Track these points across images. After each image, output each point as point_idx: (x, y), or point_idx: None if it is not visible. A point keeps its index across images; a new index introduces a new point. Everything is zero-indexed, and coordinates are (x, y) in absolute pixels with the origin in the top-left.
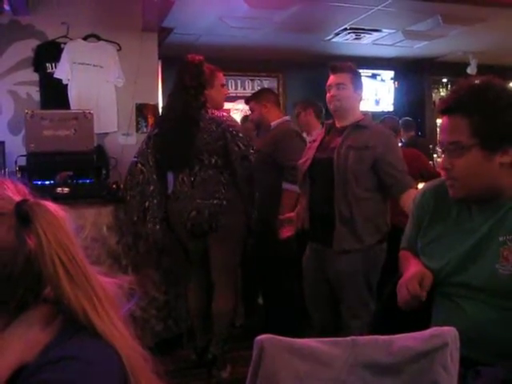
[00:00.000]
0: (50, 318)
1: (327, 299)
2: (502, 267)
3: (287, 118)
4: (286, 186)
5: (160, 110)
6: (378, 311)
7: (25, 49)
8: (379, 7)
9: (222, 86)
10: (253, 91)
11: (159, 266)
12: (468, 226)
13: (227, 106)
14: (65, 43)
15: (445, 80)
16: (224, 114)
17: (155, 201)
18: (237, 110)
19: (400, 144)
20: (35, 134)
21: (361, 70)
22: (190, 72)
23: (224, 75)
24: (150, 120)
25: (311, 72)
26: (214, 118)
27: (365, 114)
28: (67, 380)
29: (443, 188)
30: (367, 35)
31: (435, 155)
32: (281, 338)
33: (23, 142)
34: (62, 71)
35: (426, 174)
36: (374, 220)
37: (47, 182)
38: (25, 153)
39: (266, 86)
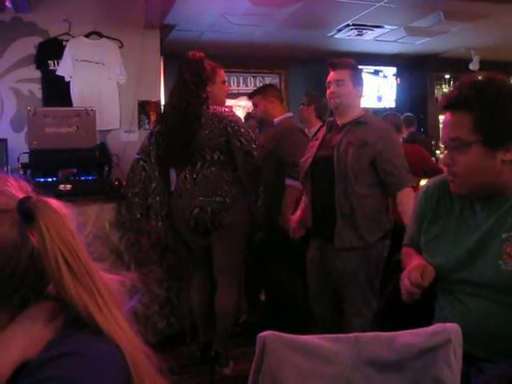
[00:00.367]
0: (53, 315)
1: (330, 295)
2: (505, 263)
3: (290, 114)
4: (289, 182)
5: (162, 107)
6: (380, 308)
7: (27, 46)
8: (381, 3)
9: (223, 82)
10: (255, 88)
11: (162, 263)
12: (471, 223)
13: (230, 102)
14: (67, 40)
15: (447, 76)
16: (226, 109)
17: (158, 198)
18: (239, 107)
19: (401, 140)
20: (38, 132)
21: (363, 67)
22: (191, 69)
23: (226, 72)
24: (153, 117)
25: (313, 68)
26: (215, 114)
27: (366, 110)
28: (69, 377)
29: (446, 184)
30: (369, 31)
31: (438, 151)
32: (283, 334)
33: (26, 139)
34: (64, 68)
35: (429, 171)
36: (375, 217)
37: (50, 179)
38: (27, 150)
39: (268, 83)
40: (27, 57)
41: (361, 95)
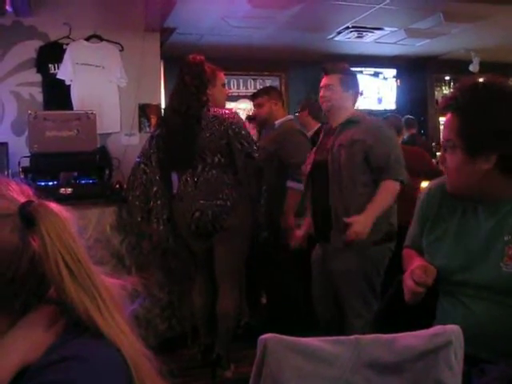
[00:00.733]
0: (54, 319)
1: (332, 296)
2: (506, 265)
3: (291, 116)
4: (290, 184)
5: (162, 110)
6: (381, 310)
7: (27, 50)
8: (381, 5)
9: (224, 85)
10: (255, 90)
11: (163, 266)
12: (473, 224)
13: (230, 105)
14: (67, 44)
15: (447, 78)
16: (226, 111)
17: (159, 201)
18: (240, 110)
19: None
20: (38, 135)
21: (363, 69)
22: (192, 72)
23: (226, 75)
24: (153, 120)
25: (314, 71)
26: (216, 116)
27: (359, 111)
28: (70, 380)
29: None
30: (369, 34)
31: (438, 153)
32: (284, 337)
33: (26, 142)
34: (64, 72)
35: (429, 173)
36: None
37: (50, 183)
38: (28, 154)
39: (268, 85)
40: (28, 60)
41: (353, 98)
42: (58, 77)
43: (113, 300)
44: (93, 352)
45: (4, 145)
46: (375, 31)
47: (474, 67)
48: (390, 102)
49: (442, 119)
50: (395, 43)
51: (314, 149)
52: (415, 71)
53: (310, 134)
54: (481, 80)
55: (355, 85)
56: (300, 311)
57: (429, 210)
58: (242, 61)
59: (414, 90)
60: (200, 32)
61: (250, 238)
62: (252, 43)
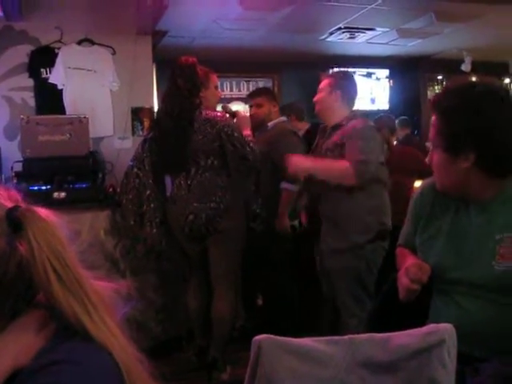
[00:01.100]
0: (44, 323)
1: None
2: (498, 264)
3: (284, 118)
4: (284, 185)
5: (155, 113)
6: (375, 308)
7: (19, 54)
8: (372, 6)
9: (216, 87)
10: (248, 92)
11: (157, 269)
12: (466, 223)
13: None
14: (59, 48)
15: (440, 77)
16: (218, 114)
17: (152, 205)
18: None
19: (395, 142)
20: (31, 140)
21: (356, 69)
22: (184, 74)
23: (219, 77)
24: (146, 123)
25: (306, 72)
26: (208, 119)
27: (352, 112)
28: None
29: None
30: (361, 34)
31: None
32: (278, 337)
33: (19, 147)
34: (56, 76)
35: (423, 172)
36: (361, 218)
37: (44, 187)
38: (21, 158)
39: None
40: (19, 65)
41: (343, 98)
42: (50, 81)
43: (103, 303)
44: (84, 355)
45: None
46: (367, 32)
47: (466, 67)
48: (383, 103)
49: None
50: (387, 43)
51: (312, 150)
52: (408, 71)
53: (300, 133)
54: (466, 81)
55: (345, 86)
56: (296, 312)
57: (422, 209)
58: (235, 63)
59: (407, 89)
60: (192, 35)
61: (244, 240)
62: (244, 45)
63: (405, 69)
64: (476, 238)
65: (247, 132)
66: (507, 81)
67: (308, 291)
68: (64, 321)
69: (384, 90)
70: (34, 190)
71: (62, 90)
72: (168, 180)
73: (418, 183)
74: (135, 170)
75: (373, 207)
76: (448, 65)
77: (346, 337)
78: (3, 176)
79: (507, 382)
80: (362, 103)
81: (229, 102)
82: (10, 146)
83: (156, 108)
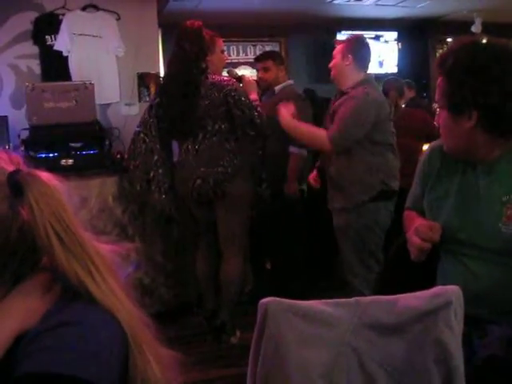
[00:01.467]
0: (49, 286)
1: None
2: (505, 226)
3: (291, 81)
4: (292, 149)
5: (161, 79)
6: (382, 271)
7: (23, 21)
8: None
9: (222, 51)
10: (254, 56)
11: (167, 235)
12: (473, 184)
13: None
14: (63, 15)
15: (449, 40)
16: (225, 78)
17: (160, 170)
18: None
19: (403, 105)
20: (37, 107)
21: (364, 32)
22: (190, 38)
23: (225, 41)
24: (152, 89)
25: (314, 35)
26: (215, 84)
27: (363, 79)
28: (66, 345)
29: None
30: None
31: None
32: (284, 300)
33: (26, 115)
34: (61, 43)
35: (432, 135)
36: (363, 177)
37: (51, 155)
38: (27, 126)
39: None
40: (24, 32)
41: (353, 62)
42: (55, 48)
43: (106, 266)
44: (88, 317)
45: (3, 118)
46: None
47: (476, 28)
48: (391, 66)
49: None
50: (396, 5)
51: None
52: (416, 34)
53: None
54: (470, 40)
55: (356, 50)
56: (305, 275)
57: (430, 171)
58: (241, 27)
59: (416, 52)
60: None
61: (252, 204)
62: (250, 8)
63: (413, 31)
64: (483, 199)
65: (253, 96)
66: None
67: (316, 254)
68: (68, 283)
69: (392, 53)
70: (41, 157)
71: (67, 56)
72: (175, 145)
73: (426, 146)
74: (142, 135)
75: (374, 167)
76: (458, 27)
77: (352, 299)
78: (11, 144)
79: None
80: (370, 66)
81: (235, 67)
82: (16, 115)
83: (162, 73)
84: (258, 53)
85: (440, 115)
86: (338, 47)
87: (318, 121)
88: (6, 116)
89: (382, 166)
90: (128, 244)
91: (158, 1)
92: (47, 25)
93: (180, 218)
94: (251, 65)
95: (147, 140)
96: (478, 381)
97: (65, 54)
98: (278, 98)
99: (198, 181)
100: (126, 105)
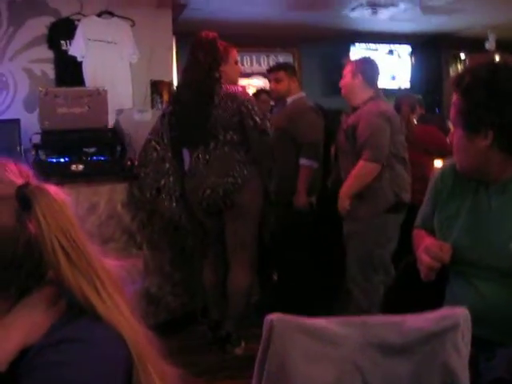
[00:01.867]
0: (54, 300)
1: None
2: None
3: (303, 93)
4: (302, 161)
5: (175, 87)
6: (390, 288)
7: (39, 26)
8: None
9: (236, 62)
10: (268, 67)
11: (175, 243)
12: (484, 204)
13: (243, 82)
14: (79, 20)
15: (463, 55)
16: (239, 88)
17: (171, 178)
18: (253, 86)
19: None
20: (49, 112)
21: (377, 46)
22: (204, 48)
23: (239, 51)
24: (165, 97)
25: (327, 47)
26: (228, 94)
27: (372, 97)
28: (68, 362)
29: None
30: (384, 10)
31: None
32: (291, 317)
33: (38, 119)
34: (76, 48)
35: (443, 151)
36: (378, 189)
37: (62, 160)
38: (40, 130)
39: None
40: (39, 37)
41: (365, 83)
42: (70, 53)
43: (112, 281)
44: (93, 334)
45: (16, 121)
46: (390, 8)
47: (490, 44)
48: (404, 80)
49: None
50: (410, 20)
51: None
52: (430, 48)
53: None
54: (486, 60)
55: (366, 70)
56: (311, 289)
57: (442, 189)
58: (255, 37)
59: (429, 67)
60: (212, 8)
61: (261, 215)
62: (265, 19)
63: (427, 46)
64: (495, 219)
65: None
66: None
67: (323, 266)
68: (73, 298)
69: (405, 68)
70: (52, 162)
71: (81, 62)
72: (186, 154)
73: (437, 162)
74: (153, 143)
75: (388, 178)
76: (471, 42)
77: (359, 318)
78: (22, 147)
79: None
80: (383, 81)
81: (249, 77)
82: (29, 118)
83: (175, 81)
84: (271, 63)
85: (454, 134)
86: (348, 67)
87: (328, 133)
88: (18, 119)
89: (395, 178)
90: (134, 258)
91: (173, 9)
92: (63, 30)
93: (189, 226)
94: (264, 75)
95: (158, 148)
96: None
97: (79, 59)
98: (289, 109)
99: (208, 190)
100: (139, 111)
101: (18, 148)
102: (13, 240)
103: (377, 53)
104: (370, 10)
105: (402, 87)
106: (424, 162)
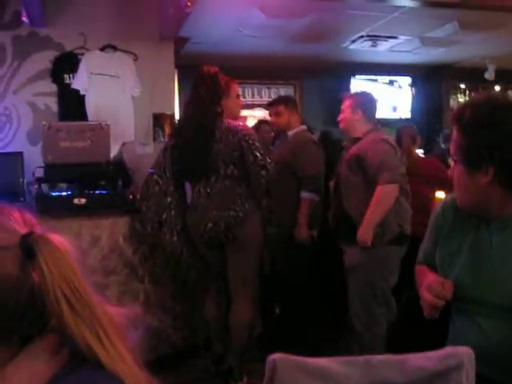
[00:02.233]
0: (57, 349)
1: None
2: None
3: (304, 127)
4: (304, 194)
5: (176, 121)
6: (393, 325)
7: (43, 60)
8: (395, 14)
9: (238, 96)
10: (269, 99)
11: (176, 276)
12: (486, 241)
13: (244, 113)
14: (82, 54)
15: (463, 86)
16: (240, 123)
17: (173, 212)
18: (254, 118)
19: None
20: (52, 146)
21: (378, 77)
22: (206, 83)
23: (240, 83)
24: (167, 129)
25: (328, 79)
26: (229, 128)
27: (372, 128)
28: None
29: None
30: (384, 42)
31: None
32: (293, 357)
33: (41, 152)
34: (79, 82)
35: (444, 182)
36: (383, 220)
37: (64, 193)
38: (42, 163)
39: (282, 94)
40: (43, 71)
41: (364, 116)
42: (72, 87)
43: (115, 330)
44: (94, 383)
45: (19, 154)
46: (390, 40)
47: (489, 75)
48: (405, 111)
49: None
50: (410, 51)
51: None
52: (430, 79)
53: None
54: (487, 96)
55: (365, 105)
56: (314, 323)
57: (443, 225)
58: (257, 69)
59: (430, 98)
60: (214, 41)
61: (262, 248)
62: (266, 52)
63: (427, 77)
64: (496, 256)
65: None
66: None
67: (326, 300)
68: (76, 347)
69: (406, 98)
70: (54, 195)
71: (84, 95)
72: (188, 187)
73: (439, 194)
74: (155, 177)
75: (392, 209)
76: (471, 73)
77: (361, 357)
78: (25, 180)
79: None
80: (383, 111)
81: (250, 109)
82: (32, 151)
83: (177, 114)
84: (272, 95)
85: (455, 169)
86: (347, 102)
87: (331, 164)
88: (21, 152)
89: (398, 209)
90: (137, 308)
91: (175, 42)
92: (66, 64)
93: (191, 260)
94: (265, 107)
95: (160, 182)
96: None
97: (82, 92)
98: (291, 143)
99: (210, 224)
100: (141, 144)
101: (21, 181)
102: (16, 289)
103: (377, 84)
104: (369, 42)
105: (403, 117)
106: (425, 193)
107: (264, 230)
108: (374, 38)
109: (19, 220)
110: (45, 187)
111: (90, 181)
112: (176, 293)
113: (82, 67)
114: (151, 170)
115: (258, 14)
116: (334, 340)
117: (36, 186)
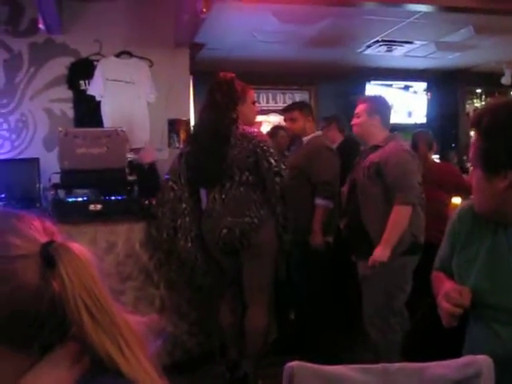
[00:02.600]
0: (78, 357)
1: None
2: None
3: (319, 133)
4: (318, 201)
5: (192, 126)
6: (410, 333)
7: (59, 66)
8: (411, 19)
9: (253, 102)
10: (284, 104)
11: (191, 283)
12: (504, 246)
13: (259, 119)
14: (98, 60)
15: (479, 90)
16: (255, 129)
17: (187, 219)
18: (269, 123)
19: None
20: (68, 152)
21: (393, 82)
22: (222, 89)
23: (255, 89)
24: (182, 135)
25: (343, 84)
26: (245, 135)
27: (389, 136)
28: None
29: None
30: (399, 47)
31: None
32: (311, 365)
33: (58, 159)
34: (95, 88)
35: (460, 188)
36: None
37: (80, 199)
38: (59, 169)
39: (297, 99)
40: (59, 77)
41: (380, 122)
42: (88, 93)
43: (135, 339)
44: None
45: (35, 160)
46: (405, 45)
47: (505, 79)
48: (420, 116)
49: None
50: (425, 56)
51: (352, 169)
52: (446, 84)
53: (334, 146)
54: (506, 99)
55: (382, 110)
56: (329, 328)
57: (460, 231)
58: (271, 75)
59: (445, 103)
60: (229, 47)
61: (277, 254)
62: (281, 57)
63: (443, 82)
64: None
65: None
66: None
67: (341, 306)
68: (96, 356)
69: (421, 104)
70: (70, 201)
71: (100, 101)
72: (203, 193)
73: (455, 199)
74: (170, 183)
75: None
76: (487, 78)
77: (379, 365)
78: (41, 186)
79: None
80: (398, 116)
81: (265, 114)
82: (49, 157)
83: (192, 120)
84: (287, 101)
85: (473, 174)
86: (362, 106)
87: (346, 170)
88: (37, 158)
89: (415, 219)
90: (157, 316)
91: (190, 48)
92: (82, 70)
93: (205, 266)
94: (280, 113)
95: (176, 188)
96: None
97: (98, 98)
98: (306, 148)
99: (224, 230)
100: (156, 150)
101: (37, 187)
102: (37, 298)
103: (392, 89)
104: (385, 47)
105: (418, 123)
106: (441, 199)
107: (279, 236)
108: (390, 43)
109: (39, 228)
110: (61, 193)
111: (105, 187)
112: (191, 299)
113: (97, 73)
114: (167, 176)
115: (273, 20)
116: (348, 345)
117: (52, 192)
